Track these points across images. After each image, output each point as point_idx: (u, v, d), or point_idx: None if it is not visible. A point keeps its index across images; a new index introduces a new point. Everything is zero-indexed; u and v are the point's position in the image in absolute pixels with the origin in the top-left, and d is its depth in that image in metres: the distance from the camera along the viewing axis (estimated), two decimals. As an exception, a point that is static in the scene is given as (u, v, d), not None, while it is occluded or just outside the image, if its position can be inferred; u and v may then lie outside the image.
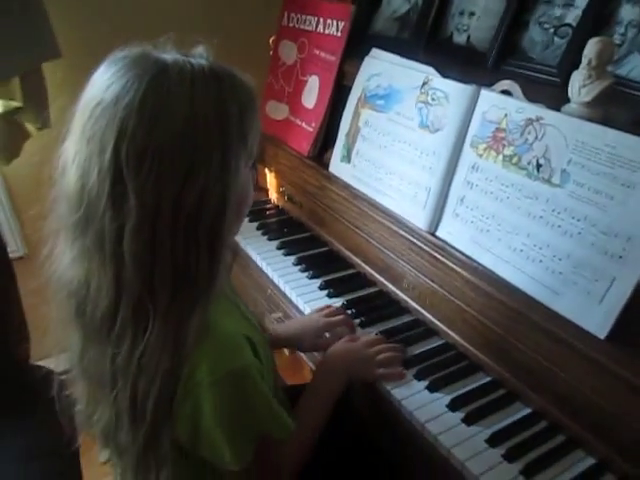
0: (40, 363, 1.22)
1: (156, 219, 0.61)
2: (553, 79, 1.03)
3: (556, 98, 0.92)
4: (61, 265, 0.67)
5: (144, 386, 0.65)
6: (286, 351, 1.21)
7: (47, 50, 1.28)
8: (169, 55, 0.64)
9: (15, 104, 1.30)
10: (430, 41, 1.32)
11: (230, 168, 0.64)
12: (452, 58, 1.22)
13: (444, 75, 1.04)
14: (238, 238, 1.33)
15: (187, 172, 0.60)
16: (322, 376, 0.90)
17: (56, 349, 0.73)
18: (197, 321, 0.65)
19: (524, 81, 1.00)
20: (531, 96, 0.94)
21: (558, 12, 1.08)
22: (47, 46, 1.28)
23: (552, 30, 1.08)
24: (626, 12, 0.99)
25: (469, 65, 1.16)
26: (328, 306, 1.08)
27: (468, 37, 1.24)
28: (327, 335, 1.01)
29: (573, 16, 1.06)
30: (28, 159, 1.46)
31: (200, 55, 0.67)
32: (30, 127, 1.39)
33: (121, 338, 0.65)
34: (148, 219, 0.60)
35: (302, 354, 1.09)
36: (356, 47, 1.30)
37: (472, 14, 1.23)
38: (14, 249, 1.56)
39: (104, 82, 0.62)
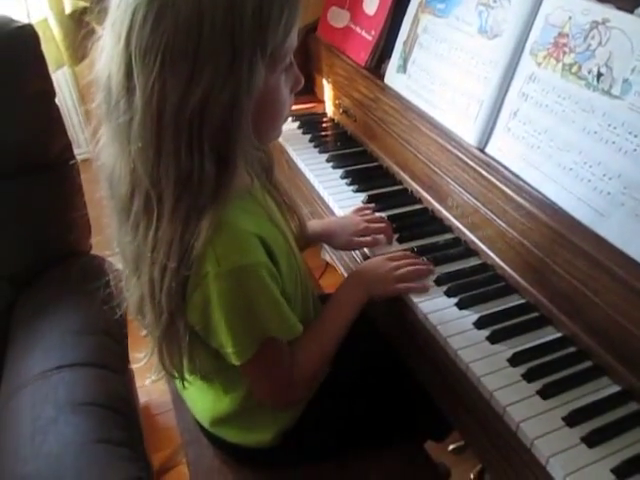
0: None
1: (160, 118, 0.60)
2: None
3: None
4: (98, 147, 0.70)
5: (158, 276, 0.67)
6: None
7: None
8: None
9: (83, 3, 1.33)
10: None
11: (241, 72, 0.61)
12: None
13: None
14: (288, 149, 1.34)
15: (191, 73, 0.59)
16: (341, 291, 0.91)
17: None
18: (206, 226, 0.64)
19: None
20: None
21: None
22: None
23: None
24: None
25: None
26: (369, 207, 1.08)
27: None
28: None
29: None
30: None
31: None
32: (98, 28, 1.43)
33: (135, 228, 0.68)
34: (152, 117, 0.60)
35: (334, 258, 1.10)
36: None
37: None
38: (84, 150, 1.65)
39: None
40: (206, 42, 0.59)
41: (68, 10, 1.34)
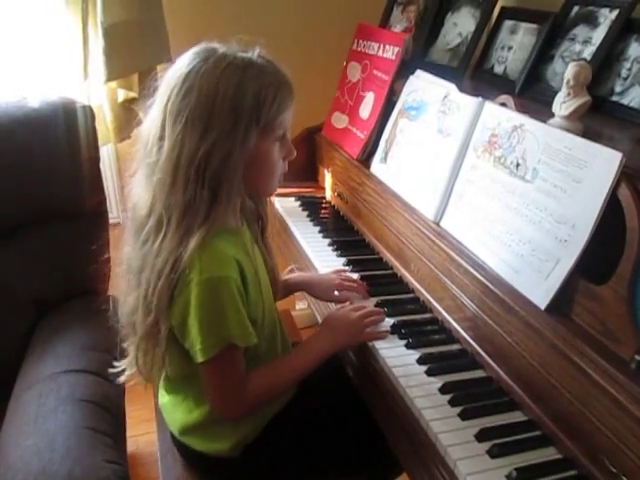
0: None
1: (178, 159, 0.84)
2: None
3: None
4: (132, 183, 0.94)
5: (154, 278, 0.87)
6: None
7: (163, 55, 1.62)
8: (225, 48, 0.88)
9: (132, 94, 1.64)
10: (476, 70, 1.51)
11: (237, 135, 0.85)
12: (491, 85, 1.40)
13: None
14: (287, 220, 1.57)
15: (203, 131, 0.84)
16: (312, 339, 1.07)
17: None
18: (194, 242, 0.85)
19: (542, 105, 1.15)
20: (540, 117, 1.08)
21: (578, 48, 1.23)
22: (163, 52, 1.62)
23: (571, 63, 1.22)
24: (633, 50, 1.12)
25: (502, 91, 1.32)
26: (347, 273, 1.27)
27: (505, 68, 1.41)
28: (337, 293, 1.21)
29: (589, 52, 1.19)
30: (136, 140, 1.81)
31: (253, 52, 0.90)
32: (142, 115, 1.74)
33: (146, 240, 0.89)
34: (173, 158, 0.85)
35: (312, 305, 1.28)
36: (413, 71, 1.51)
37: (510, 48, 1.40)
38: (115, 215, 1.91)
39: (177, 61, 0.89)
40: (217, 111, 0.84)
41: (120, 99, 1.66)
